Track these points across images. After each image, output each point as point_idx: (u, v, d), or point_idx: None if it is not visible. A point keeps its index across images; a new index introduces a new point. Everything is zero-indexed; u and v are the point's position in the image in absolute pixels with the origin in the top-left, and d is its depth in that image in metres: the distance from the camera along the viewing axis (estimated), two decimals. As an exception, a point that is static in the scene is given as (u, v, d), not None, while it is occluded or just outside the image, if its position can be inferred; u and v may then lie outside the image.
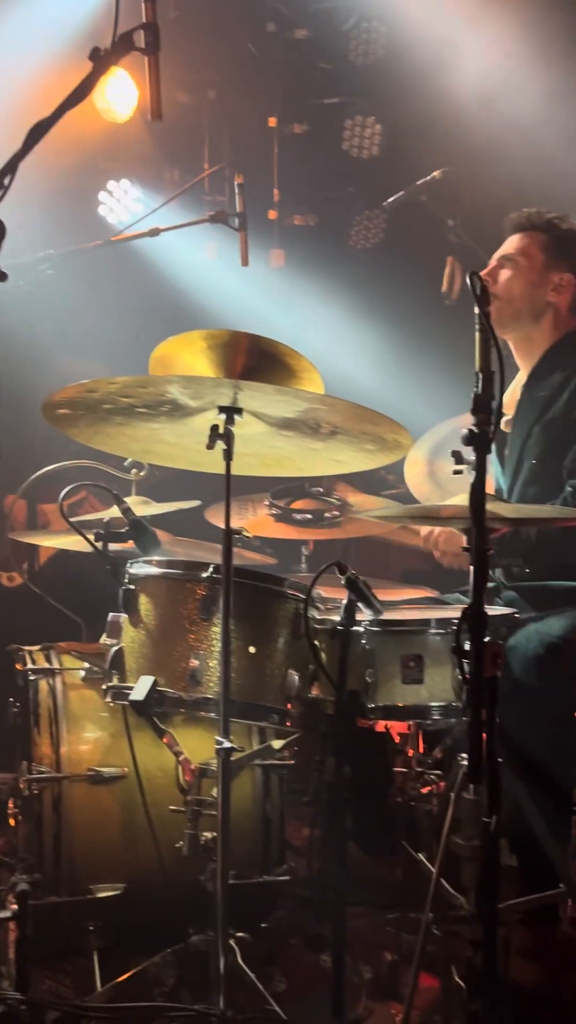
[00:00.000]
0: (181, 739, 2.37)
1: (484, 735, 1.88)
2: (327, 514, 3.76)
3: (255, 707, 2.37)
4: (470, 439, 1.95)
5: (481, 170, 4.51)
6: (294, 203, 5.17)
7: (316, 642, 2.44)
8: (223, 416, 2.30)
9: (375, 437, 2.41)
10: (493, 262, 3.12)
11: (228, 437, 2.29)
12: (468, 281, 1.95)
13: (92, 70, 2.12)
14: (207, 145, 5.10)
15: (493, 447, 3.18)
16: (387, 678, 2.43)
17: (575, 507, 2.80)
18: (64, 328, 4.42)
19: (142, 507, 3.07)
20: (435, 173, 4.48)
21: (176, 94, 4.95)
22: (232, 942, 2.24)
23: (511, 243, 3.13)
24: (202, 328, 2.49)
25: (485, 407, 1.95)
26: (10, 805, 2.71)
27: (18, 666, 2.68)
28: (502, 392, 1.96)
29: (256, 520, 3.79)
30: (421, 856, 2.41)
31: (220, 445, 2.29)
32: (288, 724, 2.41)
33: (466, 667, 1.89)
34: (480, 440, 1.95)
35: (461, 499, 2.29)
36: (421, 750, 2.53)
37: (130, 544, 2.65)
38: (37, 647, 2.74)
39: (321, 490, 3.84)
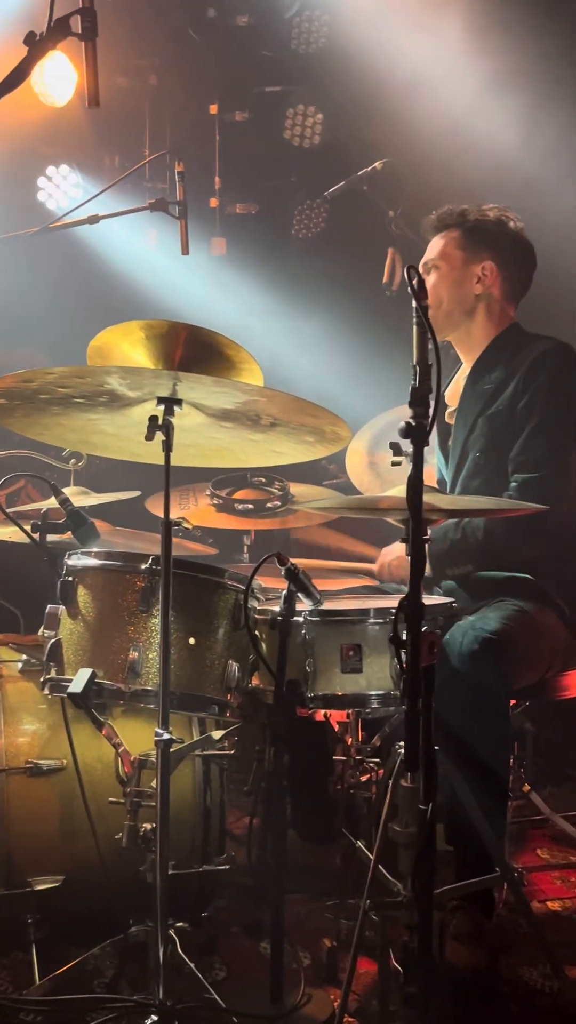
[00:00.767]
0: (120, 731, 2.36)
1: (420, 723, 1.90)
2: (268, 504, 3.78)
3: (195, 698, 2.37)
4: (407, 432, 1.97)
5: (422, 161, 4.53)
6: (236, 191, 5.15)
7: (256, 632, 2.46)
8: (162, 407, 2.29)
9: (314, 429, 2.42)
10: (420, 269, 3.14)
11: (167, 428, 2.28)
12: (405, 275, 1.96)
13: (27, 55, 2.10)
14: (148, 131, 5.06)
15: (436, 439, 3.27)
16: (326, 668, 2.45)
17: (520, 500, 2.83)
18: (2, 315, 4.37)
19: (81, 497, 3.05)
20: (376, 164, 4.50)
21: (116, 78, 4.90)
22: (172, 932, 2.25)
23: (431, 248, 3.14)
24: (143, 317, 2.48)
25: (422, 400, 1.97)
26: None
27: (-45, 658, 2.65)
28: (439, 385, 1.98)
29: (198, 510, 3.79)
30: (360, 843, 2.43)
31: (159, 436, 2.28)
32: (228, 715, 2.42)
33: (403, 657, 1.91)
34: (417, 433, 1.97)
35: (399, 490, 2.32)
36: (360, 739, 2.55)
37: (68, 535, 2.63)
38: (-26, 639, 2.72)
39: (263, 480, 3.85)
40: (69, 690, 2.28)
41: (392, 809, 2.01)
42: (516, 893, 2.58)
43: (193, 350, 2.46)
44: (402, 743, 1.93)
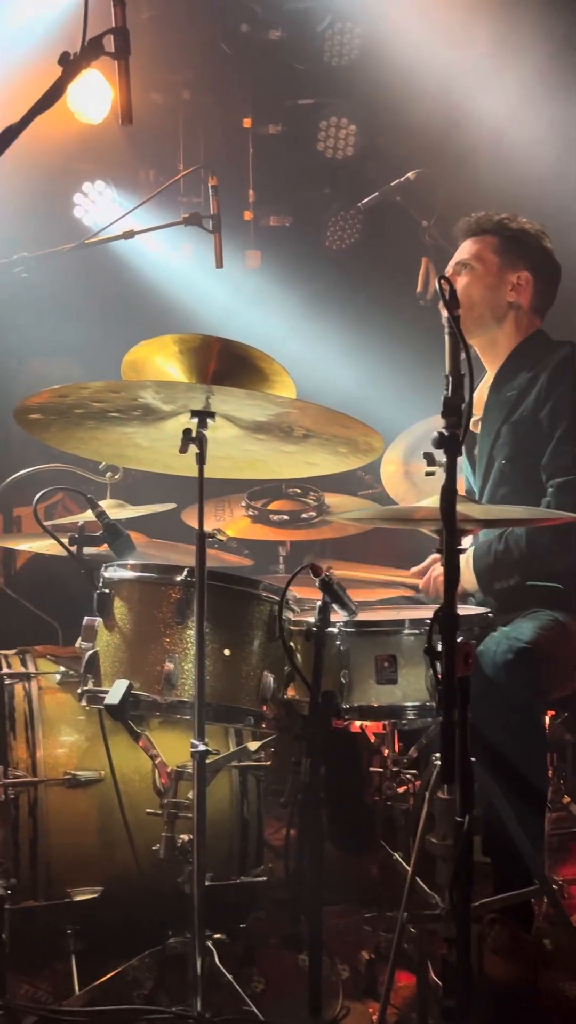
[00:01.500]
0: (157, 742, 2.37)
1: (456, 735, 1.89)
2: (304, 515, 3.78)
3: (230, 709, 2.38)
4: (440, 442, 1.97)
5: (455, 171, 4.53)
6: (269, 204, 5.18)
7: (291, 644, 2.46)
8: (196, 420, 2.31)
9: (347, 440, 2.43)
10: (450, 269, 3.13)
11: (201, 441, 2.29)
12: (437, 286, 1.96)
13: (62, 75, 2.13)
14: (182, 146, 5.10)
15: (463, 448, 3.25)
16: (362, 679, 2.44)
17: (558, 508, 2.81)
18: (38, 330, 4.42)
19: (117, 510, 3.07)
20: (409, 174, 4.52)
21: (150, 94, 4.95)
22: (210, 943, 2.25)
23: (464, 249, 3.14)
24: (178, 330, 2.50)
25: (455, 410, 1.97)
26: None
27: (-7, 670, 2.68)
28: (471, 395, 1.98)
29: (233, 521, 3.80)
30: (397, 855, 2.42)
31: (193, 449, 2.29)
32: (264, 726, 2.42)
33: (439, 667, 1.90)
34: (450, 443, 1.97)
35: (434, 500, 2.31)
36: (396, 750, 2.54)
37: (105, 548, 2.65)
38: (12, 651, 2.74)
39: (298, 491, 3.86)
40: (106, 702, 2.30)
41: (429, 821, 2.00)
42: (555, 906, 2.55)
43: (226, 363, 2.47)
44: (438, 754, 1.92)
